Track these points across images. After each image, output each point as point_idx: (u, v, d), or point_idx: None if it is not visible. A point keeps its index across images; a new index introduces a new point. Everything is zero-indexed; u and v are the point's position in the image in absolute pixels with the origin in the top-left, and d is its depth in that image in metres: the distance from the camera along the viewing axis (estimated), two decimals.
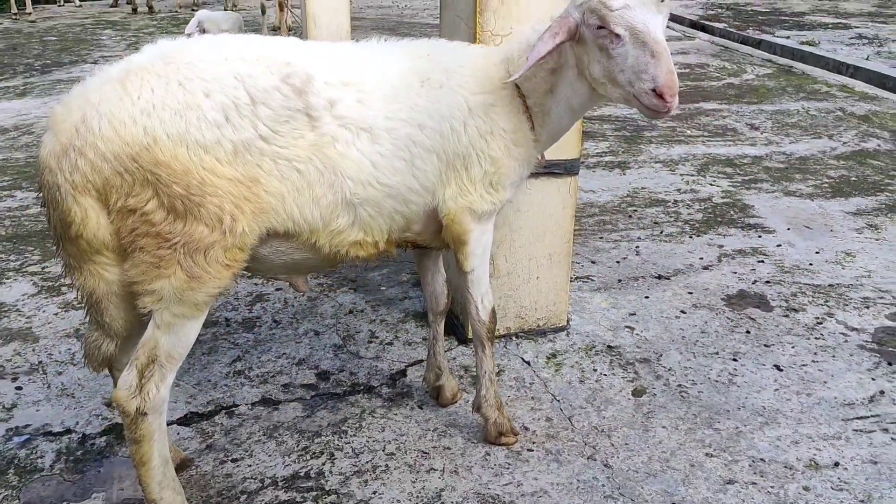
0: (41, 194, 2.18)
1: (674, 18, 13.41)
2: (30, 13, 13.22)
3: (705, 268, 4.47)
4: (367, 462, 2.86)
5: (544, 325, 3.74)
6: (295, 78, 2.25)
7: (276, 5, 11.72)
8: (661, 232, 4.96)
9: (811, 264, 4.51)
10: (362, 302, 4.07)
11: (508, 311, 3.65)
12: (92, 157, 2.04)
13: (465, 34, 3.22)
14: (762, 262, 4.55)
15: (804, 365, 3.50)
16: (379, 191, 2.36)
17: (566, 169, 3.44)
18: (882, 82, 8.84)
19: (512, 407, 3.18)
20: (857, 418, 3.13)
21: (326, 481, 2.76)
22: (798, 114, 7.80)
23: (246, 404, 3.21)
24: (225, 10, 13.44)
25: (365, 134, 2.32)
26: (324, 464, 2.85)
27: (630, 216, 5.23)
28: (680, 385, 3.35)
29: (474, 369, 3.10)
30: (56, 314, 3.91)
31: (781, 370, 3.46)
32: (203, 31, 10.56)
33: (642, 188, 5.76)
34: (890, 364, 3.50)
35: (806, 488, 2.75)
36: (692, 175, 6.05)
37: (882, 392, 3.30)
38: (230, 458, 2.88)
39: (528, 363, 3.51)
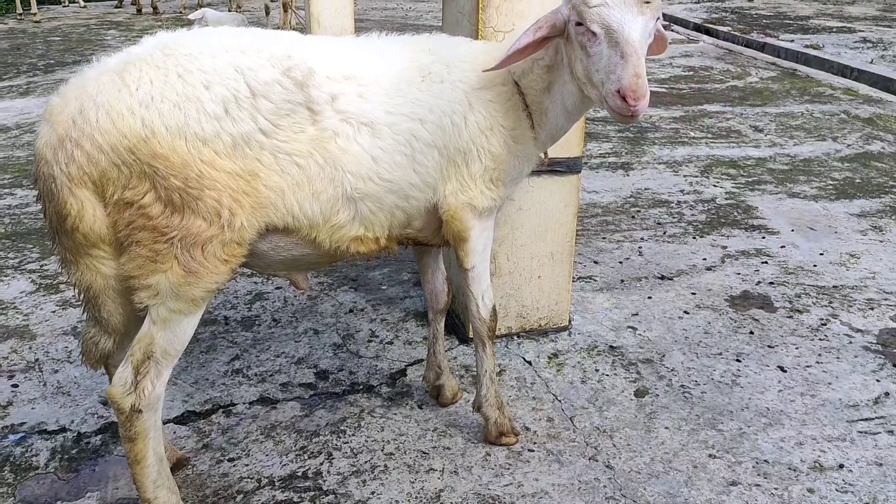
0: (37, 187, 2.15)
1: (678, 21, 13.39)
2: (34, 14, 13.22)
3: (709, 268, 4.44)
4: (366, 462, 2.83)
5: (546, 325, 3.71)
6: (296, 71, 2.23)
7: (280, 6, 11.71)
8: (665, 233, 4.93)
9: (815, 266, 4.48)
10: (363, 301, 4.04)
11: (510, 311, 3.62)
12: (89, 149, 2.01)
13: (467, 30, 3.19)
14: (766, 263, 4.51)
15: (808, 366, 3.47)
16: (380, 186, 2.34)
17: (568, 167, 3.41)
18: (886, 85, 8.81)
19: (513, 407, 3.15)
20: (862, 420, 3.10)
21: (324, 481, 2.73)
22: (802, 116, 7.77)
23: (244, 403, 3.18)
24: (229, 10, 13.44)
25: (366, 128, 2.30)
26: (321, 464, 2.82)
27: (633, 217, 5.19)
28: (683, 386, 3.32)
29: (475, 368, 3.07)
30: (54, 312, 3.88)
31: (785, 371, 3.43)
32: (203, 17, 10.47)
33: (645, 189, 5.72)
34: (895, 366, 3.46)
35: (810, 490, 2.71)
36: (696, 176, 6.01)
37: (887, 394, 3.26)
38: (227, 458, 2.85)
39: (529, 363, 3.48)
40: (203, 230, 2.09)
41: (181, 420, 3.07)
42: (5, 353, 3.51)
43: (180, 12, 14.28)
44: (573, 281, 3.81)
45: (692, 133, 7.20)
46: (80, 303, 2.35)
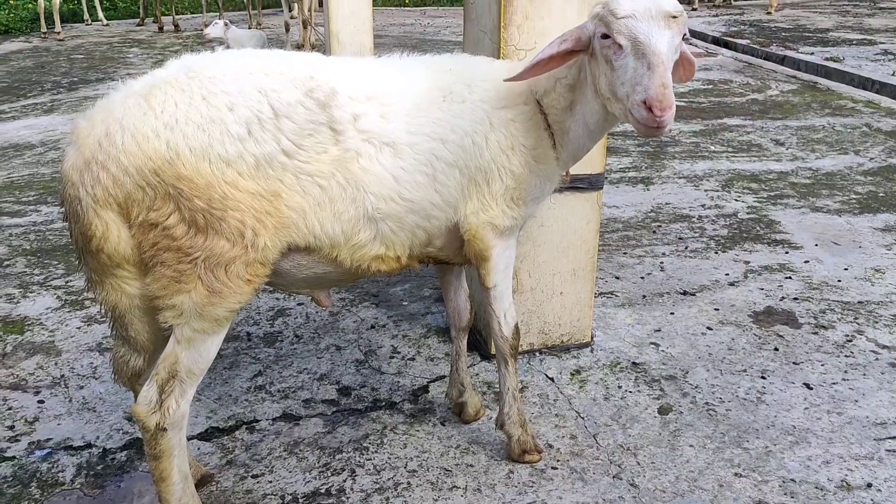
0: (63, 208, 2.18)
1: (697, 35, 13.36)
2: (58, 32, 13.44)
3: (731, 284, 4.40)
4: (389, 479, 2.83)
5: (568, 342, 3.69)
6: (319, 92, 2.24)
7: (300, 23, 11.83)
8: (686, 248, 4.90)
9: (840, 281, 4.43)
10: (384, 317, 4.04)
11: (532, 327, 3.61)
12: (114, 171, 2.04)
13: (489, 49, 3.21)
14: (790, 278, 4.47)
15: (834, 383, 3.42)
16: (401, 206, 2.34)
17: (590, 184, 3.41)
18: None
19: (536, 424, 3.14)
20: (890, 438, 3.05)
21: (347, 498, 2.73)
22: (823, 129, 7.71)
23: (267, 419, 3.19)
24: (249, 27, 13.59)
25: (388, 148, 2.31)
26: (345, 480, 2.82)
27: (654, 232, 5.17)
28: (707, 403, 3.28)
29: (497, 385, 3.06)
30: (79, 328, 3.92)
31: (811, 388, 3.38)
32: (223, 32, 10.53)
33: (666, 204, 5.70)
34: None
35: None
36: (717, 191, 5.98)
37: None
38: (250, 474, 2.86)
39: (551, 379, 3.46)
40: (226, 250, 2.10)
41: (205, 436, 3.09)
42: (31, 370, 3.55)
43: (201, 30, 14.44)
44: (595, 297, 3.80)
45: (712, 147, 7.16)
46: (106, 320, 2.38)
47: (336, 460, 2.93)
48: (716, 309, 4.11)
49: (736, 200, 5.77)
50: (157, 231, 2.08)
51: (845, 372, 3.51)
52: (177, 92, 2.11)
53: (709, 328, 3.91)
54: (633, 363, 3.59)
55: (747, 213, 5.50)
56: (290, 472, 2.87)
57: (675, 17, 2.12)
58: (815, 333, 3.85)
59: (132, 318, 2.25)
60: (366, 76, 2.40)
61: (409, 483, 2.81)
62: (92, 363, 3.60)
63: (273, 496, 2.74)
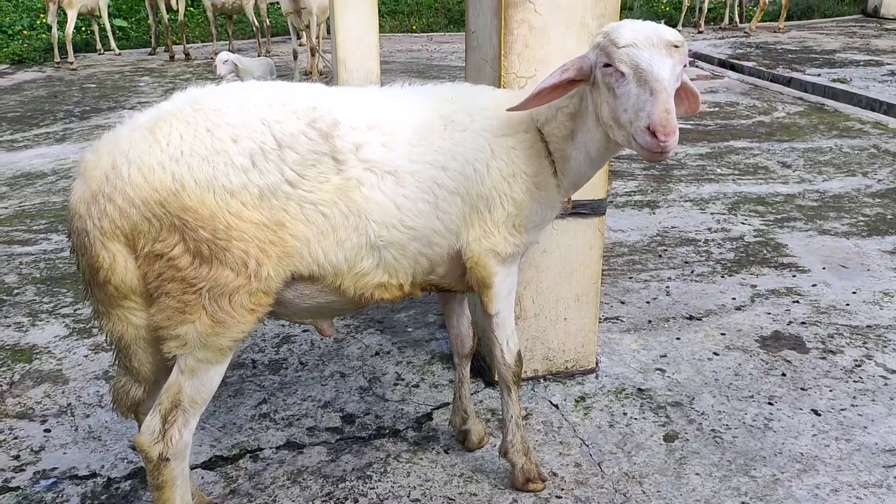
0: (71, 240, 2.21)
1: (702, 57, 13.42)
2: (71, 62, 13.63)
3: (738, 308, 4.39)
4: None
5: (573, 368, 3.68)
6: (321, 122, 2.27)
7: (307, 51, 11.96)
8: (692, 272, 4.89)
9: (848, 304, 4.41)
10: (389, 343, 4.05)
11: (536, 353, 3.61)
12: (121, 203, 2.07)
13: (490, 76, 3.24)
14: (797, 302, 4.45)
15: (843, 409, 3.40)
16: (403, 233, 2.36)
17: (593, 209, 3.42)
18: None
19: (540, 451, 3.12)
20: None
21: None
22: (831, 151, 7.70)
23: (271, 448, 3.19)
24: (258, 55, 13.75)
25: (390, 177, 2.33)
26: None
27: (660, 256, 5.17)
28: (714, 430, 3.26)
29: (501, 412, 3.06)
30: (86, 356, 3.94)
31: (819, 415, 3.36)
32: (235, 68, 10.76)
33: (672, 227, 5.70)
34: None
35: None
36: (723, 214, 5.98)
37: None
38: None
39: (556, 406, 3.45)
40: (230, 280, 2.12)
41: (209, 465, 3.09)
42: (39, 398, 3.57)
43: (211, 58, 14.62)
44: (600, 322, 3.79)
45: (719, 170, 7.17)
46: (111, 350, 2.39)
47: (339, 489, 2.92)
48: (722, 334, 4.09)
49: (742, 223, 5.76)
50: (163, 262, 2.10)
51: (854, 398, 3.48)
52: (182, 125, 2.14)
53: (715, 353, 3.89)
54: (639, 389, 3.57)
55: (754, 237, 5.49)
56: (292, 501, 2.86)
57: (676, 46, 2.15)
58: (824, 358, 3.83)
59: (136, 349, 2.27)
60: (368, 106, 2.44)
61: None
62: (98, 391, 3.61)
63: None
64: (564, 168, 2.52)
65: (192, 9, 17.71)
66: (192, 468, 2.92)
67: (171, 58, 14.66)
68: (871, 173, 6.96)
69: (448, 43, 16.85)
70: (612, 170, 3.30)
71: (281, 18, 15.66)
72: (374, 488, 2.93)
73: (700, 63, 13.16)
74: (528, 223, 2.53)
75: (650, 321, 4.25)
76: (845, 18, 18.59)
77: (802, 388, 3.57)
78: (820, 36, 15.43)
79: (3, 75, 13.32)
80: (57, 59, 13.89)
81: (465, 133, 2.45)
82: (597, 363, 3.74)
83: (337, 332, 4.12)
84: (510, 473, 2.91)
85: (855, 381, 3.62)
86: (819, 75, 11.00)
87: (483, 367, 3.65)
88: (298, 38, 11.70)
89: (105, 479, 3.00)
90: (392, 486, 2.93)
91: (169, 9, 14.35)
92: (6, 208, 6.39)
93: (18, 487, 2.96)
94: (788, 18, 16.97)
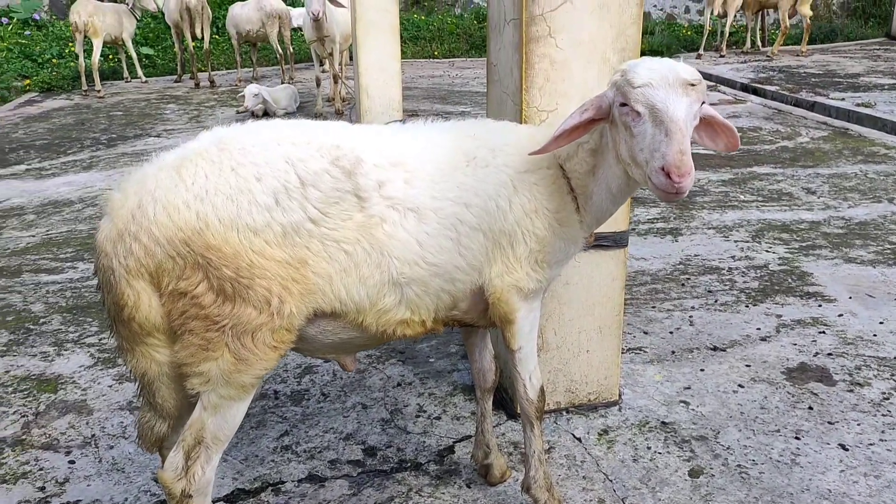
0: (97, 277, 2.24)
1: (724, 82, 13.39)
2: (98, 90, 13.89)
3: (763, 339, 4.34)
4: None
5: (595, 400, 3.65)
6: (345, 160, 2.30)
7: (330, 78, 12.10)
8: (716, 301, 4.85)
9: (875, 335, 4.34)
10: (410, 374, 4.04)
11: (558, 386, 3.58)
12: (146, 242, 2.09)
13: (511, 110, 3.26)
14: (823, 332, 4.39)
15: (871, 444, 3.33)
16: (425, 270, 2.37)
17: (615, 241, 3.41)
18: None
19: (563, 486, 3.09)
20: None
21: None
22: (856, 177, 7.63)
23: (293, 481, 3.18)
24: (282, 82, 13.93)
25: (412, 214, 2.34)
26: None
27: (683, 284, 5.13)
28: (739, 465, 3.22)
29: (523, 446, 3.03)
30: (110, 386, 3.98)
31: (847, 449, 3.30)
32: (263, 101, 11.03)
33: (695, 255, 5.66)
34: None
35: None
36: (747, 241, 5.93)
37: None
38: None
39: (579, 440, 3.42)
40: (253, 318, 2.14)
41: (231, 499, 3.09)
42: (63, 429, 3.60)
43: (235, 85, 14.84)
44: (622, 352, 3.76)
45: (742, 196, 7.13)
46: (135, 384, 2.41)
47: None
48: (747, 365, 4.04)
49: (767, 251, 5.71)
50: (186, 300, 2.12)
51: (882, 432, 3.42)
52: (207, 164, 2.17)
53: (740, 385, 3.84)
54: (663, 422, 3.53)
55: (778, 265, 5.43)
56: None
57: (692, 84, 2.15)
58: (851, 391, 3.77)
59: (160, 385, 2.29)
60: (390, 143, 2.45)
61: None
62: (122, 422, 3.64)
63: None
64: (587, 204, 2.52)
65: (216, 36, 18.01)
66: (214, 501, 2.92)
67: (197, 85, 14.89)
68: None
69: (470, 69, 16.96)
70: (635, 197, 3.29)
71: (304, 45, 15.89)
72: None
73: (722, 87, 13.14)
74: (551, 259, 2.53)
75: (673, 352, 4.21)
76: (869, 42, 18.49)
77: (830, 422, 3.51)
78: (843, 59, 15.35)
79: (33, 103, 13.60)
80: (84, 87, 14.16)
81: (487, 169, 2.46)
82: (620, 395, 3.71)
83: (359, 362, 4.12)
84: None
85: (883, 415, 3.55)
86: (843, 99, 10.93)
87: (505, 399, 3.63)
88: (321, 65, 11.83)
89: None
90: None
91: (194, 37, 14.60)
92: (34, 236, 6.49)
93: None
94: (811, 42, 16.91)
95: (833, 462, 3.22)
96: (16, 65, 15.41)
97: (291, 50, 15.42)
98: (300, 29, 14.47)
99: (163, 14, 15.44)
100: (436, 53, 19.14)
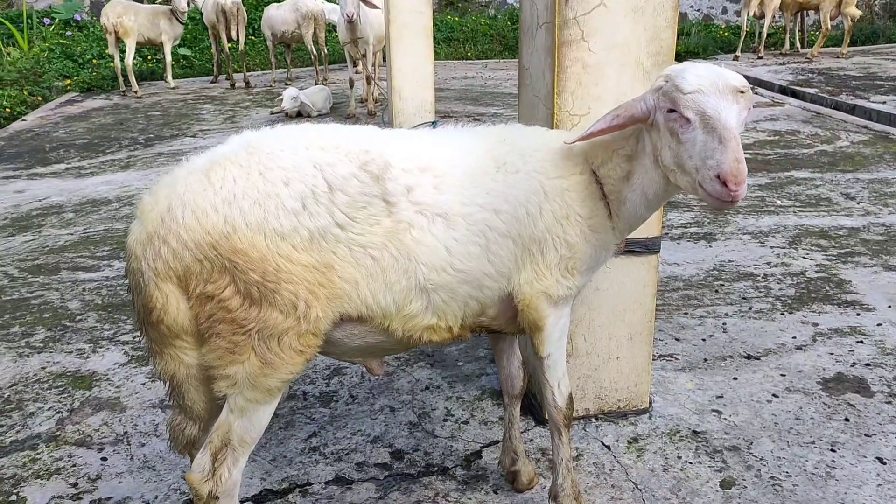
0: (127, 280, 2.27)
1: (762, 84, 13.18)
2: (136, 90, 14.14)
3: (799, 348, 4.25)
4: None
5: (625, 407, 3.61)
6: (373, 165, 2.29)
7: (363, 79, 12.14)
8: (750, 308, 4.76)
9: None
10: (439, 377, 4.03)
11: (587, 392, 3.55)
12: (174, 245, 2.11)
13: (542, 114, 3.23)
14: (861, 342, 4.29)
15: None
16: (453, 276, 2.35)
17: (647, 247, 3.36)
18: None
19: (591, 495, 3.06)
20: None
21: None
22: None
23: (320, 483, 3.19)
24: (315, 83, 14.02)
25: (440, 219, 2.33)
26: None
27: (717, 291, 5.05)
28: (773, 477, 3.15)
29: (551, 452, 3.01)
30: (143, 384, 4.03)
31: (885, 463, 3.22)
32: (300, 104, 11.14)
33: (729, 261, 5.57)
34: None
35: None
36: (783, 247, 5.82)
37: None
38: None
39: (608, 447, 3.38)
40: (279, 322, 2.14)
41: (259, 499, 3.11)
42: (97, 426, 3.65)
43: (270, 86, 14.98)
44: (654, 359, 3.71)
45: (779, 201, 7.00)
46: (165, 388, 2.44)
47: None
48: (782, 374, 3.96)
49: (804, 258, 5.59)
50: (214, 303, 2.13)
51: None
52: (236, 168, 2.18)
53: (774, 395, 3.77)
54: (694, 431, 3.48)
55: (816, 272, 5.32)
56: None
57: (741, 91, 2.13)
58: (889, 403, 3.67)
59: (189, 388, 2.31)
60: (420, 148, 2.44)
61: None
62: (154, 420, 3.68)
63: None
64: (620, 210, 2.48)
65: (252, 38, 18.19)
66: (242, 501, 2.94)
67: (232, 86, 15.06)
68: None
69: (503, 70, 16.92)
70: (668, 201, 3.22)
71: (338, 47, 15.98)
72: None
73: (760, 90, 12.92)
74: (582, 266, 2.50)
75: (706, 360, 4.14)
76: None
77: (867, 434, 3.42)
78: (885, 62, 15.02)
79: (73, 103, 13.86)
80: (122, 87, 14.40)
81: (517, 175, 2.44)
82: (650, 403, 3.66)
83: (387, 364, 4.12)
84: None
85: None
86: (885, 103, 10.69)
87: (534, 405, 3.60)
88: (355, 66, 11.89)
89: None
90: None
91: (230, 38, 14.77)
92: (72, 234, 6.61)
93: None
94: (852, 44, 16.57)
95: (870, 476, 3.14)
96: (57, 65, 15.72)
97: (326, 51, 15.51)
98: (335, 29, 14.55)
99: (201, 15, 15.65)
100: (469, 55, 19.12)
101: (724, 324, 4.56)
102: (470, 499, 3.07)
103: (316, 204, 2.18)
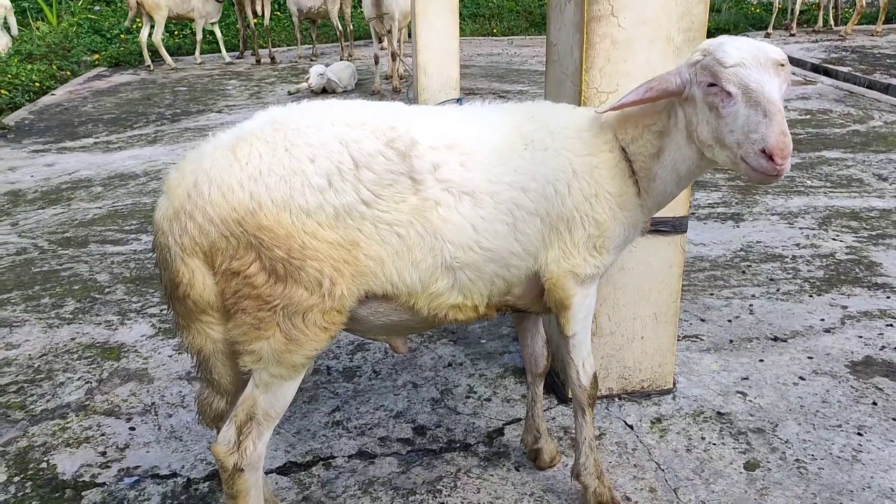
0: (155, 254, 2.28)
1: (794, 62, 12.92)
2: (171, 65, 14.25)
3: (827, 330, 4.20)
4: None
5: (649, 388, 3.59)
6: (399, 142, 2.28)
7: (388, 55, 12.09)
8: (778, 290, 4.71)
9: None
10: (461, 355, 4.04)
11: (611, 372, 3.53)
12: (200, 221, 2.12)
13: (570, 91, 3.19)
14: (891, 325, 4.22)
15: None
16: (480, 255, 2.34)
17: (674, 227, 3.32)
18: None
19: (613, 474, 3.06)
20: None
21: None
22: None
23: (343, 456, 3.22)
24: (341, 59, 13.99)
25: (467, 197, 2.31)
26: None
27: (744, 272, 4.99)
28: (798, 460, 3.13)
29: (574, 431, 3.00)
30: (170, 356, 4.08)
31: None
32: (327, 80, 11.12)
33: (757, 242, 5.50)
34: None
35: None
36: (813, 229, 5.73)
37: None
38: None
39: (630, 427, 3.37)
40: (304, 299, 2.15)
41: (283, 471, 3.14)
42: (125, 396, 3.71)
43: (295, 62, 14.98)
44: (679, 340, 3.69)
45: (809, 182, 6.88)
46: (192, 362, 2.47)
47: (409, 502, 2.93)
48: (809, 357, 3.92)
49: (834, 240, 5.51)
50: (239, 279, 2.14)
51: None
52: (262, 144, 2.18)
53: (801, 378, 3.73)
54: (718, 413, 3.46)
55: (846, 254, 5.24)
56: None
57: (782, 65, 2.10)
58: None
59: (216, 362, 2.33)
60: (447, 125, 2.42)
61: None
62: (181, 391, 3.73)
63: None
64: (649, 188, 2.45)
65: (278, 13, 18.16)
66: (267, 473, 2.99)
67: (258, 62, 15.08)
68: None
69: (529, 47, 16.76)
70: (696, 180, 3.18)
71: (363, 23, 15.90)
72: (444, 503, 2.92)
73: (792, 68, 12.67)
74: (610, 244, 2.48)
75: (731, 341, 4.11)
76: None
77: (894, 419, 3.38)
78: None
79: (101, 77, 13.97)
80: (147, 62, 14.46)
81: (546, 152, 2.41)
82: (674, 384, 3.64)
83: (410, 341, 4.14)
84: (582, 495, 2.86)
85: None
86: None
87: (556, 384, 3.60)
88: (380, 42, 11.84)
89: (185, 480, 3.10)
90: (462, 502, 2.92)
91: (255, 14, 14.75)
92: (100, 208, 6.69)
93: (104, 483, 3.09)
94: (887, 21, 16.18)
95: None
96: (85, 40, 15.83)
97: (351, 27, 15.45)
98: (360, 4, 14.49)
99: None
100: (495, 31, 18.95)
101: (750, 305, 4.51)
102: (492, 475, 3.08)
103: (342, 181, 2.18)
